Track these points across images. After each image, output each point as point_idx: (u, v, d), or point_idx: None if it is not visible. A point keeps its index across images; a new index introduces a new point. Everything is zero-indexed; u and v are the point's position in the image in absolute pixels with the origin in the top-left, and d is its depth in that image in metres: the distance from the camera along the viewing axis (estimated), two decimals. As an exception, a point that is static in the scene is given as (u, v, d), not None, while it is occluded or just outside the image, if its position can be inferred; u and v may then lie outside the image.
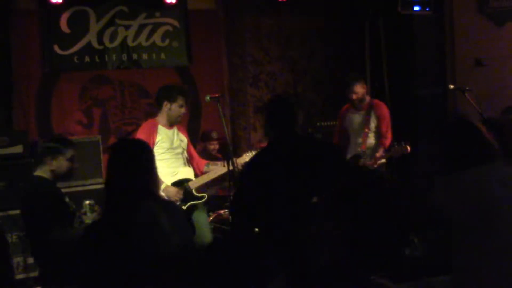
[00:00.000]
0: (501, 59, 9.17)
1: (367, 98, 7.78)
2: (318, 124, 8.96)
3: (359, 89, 7.69)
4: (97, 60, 8.65)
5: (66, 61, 8.50)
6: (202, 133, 8.73)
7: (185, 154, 6.99)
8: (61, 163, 5.49)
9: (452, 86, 7.94)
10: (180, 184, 6.81)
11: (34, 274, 7.37)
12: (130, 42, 8.79)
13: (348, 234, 3.67)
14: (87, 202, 5.69)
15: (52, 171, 5.47)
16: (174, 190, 6.71)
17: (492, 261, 3.83)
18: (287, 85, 9.74)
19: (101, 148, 7.78)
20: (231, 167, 6.64)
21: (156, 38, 8.92)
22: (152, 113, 8.70)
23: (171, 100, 6.71)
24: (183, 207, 6.76)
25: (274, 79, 9.71)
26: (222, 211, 7.67)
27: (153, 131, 6.71)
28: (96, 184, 7.55)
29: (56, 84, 8.52)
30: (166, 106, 6.75)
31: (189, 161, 7.10)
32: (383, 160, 7.49)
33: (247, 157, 7.16)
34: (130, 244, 3.46)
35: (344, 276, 2.52)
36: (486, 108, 7.71)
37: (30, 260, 7.45)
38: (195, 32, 9.13)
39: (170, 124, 6.79)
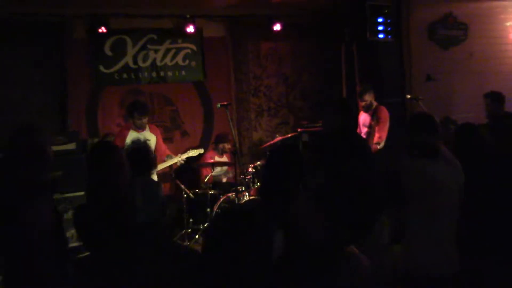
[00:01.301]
0: (447, 75, 9.37)
1: (374, 103, 7.97)
2: (306, 125, 9.10)
3: (367, 98, 7.95)
4: (132, 76, 8.84)
5: (108, 78, 8.70)
6: (218, 135, 8.77)
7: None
8: None
9: (409, 96, 8.11)
10: None
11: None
12: (158, 62, 8.96)
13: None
14: None
15: None
16: None
17: (430, 222, 3.93)
18: (280, 95, 9.90)
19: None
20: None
21: (179, 59, 9.09)
22: (174, 117, 9.09)
23: (131, 115, 7.14)
24: None
25: (270, 90, 9.86)
26: (230, 194, 7.69)
27: (125, 134, 7.13)
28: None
29: (101, 95, 8.70)
30: (131, 117, 7.16)
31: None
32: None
33: (190, 153, 7.53)
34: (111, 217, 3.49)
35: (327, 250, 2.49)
36: (435, 114, 7.95)
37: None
38: (209, 54, 9.28)
39: (138, 128, 7.15)
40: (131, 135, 7.06)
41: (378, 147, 7.55)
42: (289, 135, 8.74)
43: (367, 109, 7.98)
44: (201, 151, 7.96)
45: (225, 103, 7.49)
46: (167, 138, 8.90)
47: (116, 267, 3.20)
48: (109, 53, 8.69)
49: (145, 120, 7.18)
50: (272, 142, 8.66)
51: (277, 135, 8.77)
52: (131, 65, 8.82)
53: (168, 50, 9.04)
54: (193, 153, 7.82)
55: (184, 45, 9.13)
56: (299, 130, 9.03)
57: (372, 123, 7.83)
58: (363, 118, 8.12)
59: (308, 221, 2.47)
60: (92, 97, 8.66)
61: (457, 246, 4.03)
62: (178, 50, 9.10)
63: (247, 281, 2.18)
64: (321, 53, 9.92)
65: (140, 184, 3.88)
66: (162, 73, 8.99)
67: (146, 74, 8.92)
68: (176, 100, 9.12)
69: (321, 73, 9.96)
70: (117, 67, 8.76)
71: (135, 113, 7.14)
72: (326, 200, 2.45)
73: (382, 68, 9.04)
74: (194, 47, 9.18)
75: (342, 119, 4.86)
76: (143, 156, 4.61)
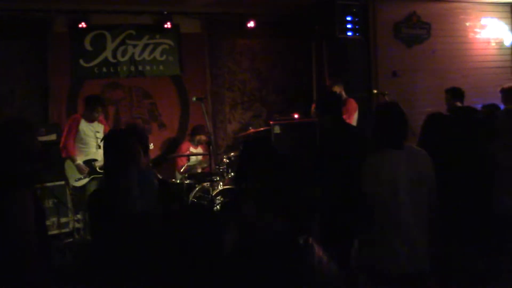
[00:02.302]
0: (410, 72, 9.65)
1: (344, 96, 8.10)
2: (277, 118, 9.22)
3: (336, 89, 8.06)
4: (112, 70, 8.90)
5: (88, 71, 8.74)
6: (195, 127, 8.84)
7: (99, 141, 7.42)
8: None
9: (375, 91, 8.35)
10: (88, 162, 7.41)
11: (65, 230, 7.79)
12: (137, 57, 9.03)
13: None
14: None
15: None
16: (83, 166, 7.38)
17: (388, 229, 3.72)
18: (254, 90, 10.07)
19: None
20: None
21: (156, 54, 9.16)
22: (152, 110, 9.19)
23: (93, 107, 7.43)
24: (87, 179, 7.36)
25: (244, 85, 10.00)
26: (204, 184, 7.78)
27: (78, 123, 7.46)
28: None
29: (81, 88, 8.72)
30: (88, 109, 7.45)
31: None
32: None
33: None
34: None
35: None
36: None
37: (62, 220, 7.82)
38: (186, 49, 9.36)
39: (90, 120, 7.47)
40: (83, 125, 7.40)
41: None
42: (262, 128, 8.87)
43: None
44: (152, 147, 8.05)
45: (201, 96, 7.63)
46: (145, 130, 8.96)
47: (117, 255, 3.34)
48: (89, 47, 8.73)
49: (101, 112, 7.57)
50: (245, 133, 8.81)
51: (250, 128, 8.93)
52: (111, 59, 8.87)
53: (146, 45, 9.10)
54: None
55: (162, 40, 9.20)
56: (271, 122, 9.17)
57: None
58: None
59: (256, 219, 2.63)
60: (73, 90, 8.69)
61: (430, 244, 3.79)
62: (156, 45, 9.16)
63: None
64: (293, 49, 10.10)
65: (135, 172, 3.96)
66: (140, 67, 9.07)
67: (125, 68, 8.97)
68: (154, 93, 9.22)
69: (293, 69, 10.14)
70: (96, 61, 8.79)
71: (99, 107, 7.47)
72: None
73: (350, 64, 9.22)
74: (171, 43, 9.26)
75: None
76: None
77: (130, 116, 9.07)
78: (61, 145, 7.47)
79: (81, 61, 8.69)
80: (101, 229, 3.67)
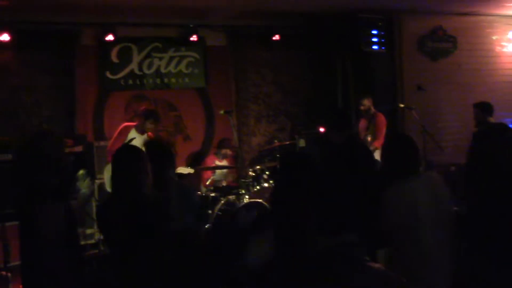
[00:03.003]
0: (436, 86, 9.50)
1: (373, 109, 8.11)
2: (302, 132, 9.22)
3: (366, 102, 8.09)
4: (138, 83, 8.87)
5: (115, 83, 8.72)
6: (221, 140, 8.71)
7: None
8: None
9: (402, 105, 8.24)
10: None
11: (91, 241, 7.70)
12: (162, 70, 9.00)
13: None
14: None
15: None
16: None
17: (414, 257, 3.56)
18: (278, 102, 9.97)
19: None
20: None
21: (182, 66, 9.13)
22: (177, 122, 9.14)
23: (147, 118, 7.21)
24: None
25: (269, 97, 9.91)
26: (230, 197, 7.63)
27: (129, 131, 7.24)
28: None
29: (108, 100, 8.72)
30: (141, 120, 7.23)
31: None
32: None
33: (180, 170, 7.65)
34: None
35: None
36: (424, 122, 8.04)
37: (88, 231, 7.75)
38: (211, 62, 9.33)
39: (141, 131, 7.24)
40: (132, 134, 7.19)
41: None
42: (287, 142, 8.79)
43: (365, 114, 8.13)
44: (192, 170, 7.97)
45: (228, 109, 7.56)
46: (170, 142, 8.93)
47: (134, 268, 3.21)
48: (115, 60, 8.72)
49: (153, 127, 7.30)
50: (270, 147, 8.72)
51: (276, 141, 8.82)
52: (137, 71, 8.86)
53: (172, 58, 9.07)
54: (183, 170, 7.84)
55: (187, 53, 9.17)
56: (296, 136, 9.15)
57: (369, 128, 7.96)
58: (362, 124, 8.25)
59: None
60: (99, 102, 8.68)
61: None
62: (182, 58, 9.14)
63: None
64: (317, 62, 10.00)
65: (176, 189, 3.81)
66: (166, 80, 9.03)
67: (150, 80, 8.95)
68: (179, 105, 9.18)
69: (317, 82, 10.03)
70: (123, 74, 8.78)
71: (152, 119, 7.27)
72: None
73: (375, 78, 9.21)
74: (197, 55, 9.23)
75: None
76: (163, 150, 4.57)
77: (155, 129, 8.98)
78: (108, 147, 7.40)
79: (108, 73, 8.68)
80: (131, 246, 3.48)
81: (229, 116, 7.62)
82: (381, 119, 7.95)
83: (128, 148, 4.06)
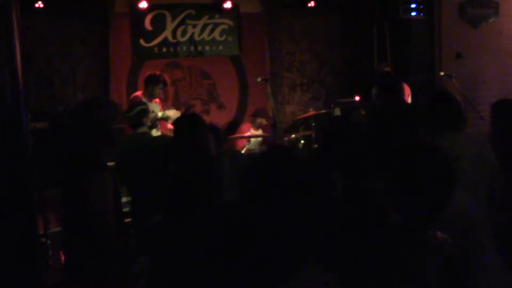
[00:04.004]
0: (476, 54, 9.19)
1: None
2: (337, 100, 9.05)
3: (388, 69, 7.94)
4: (171, 50, 8.77)
5: (148, 51, 8.63)
6: (257, 110, 8.60)
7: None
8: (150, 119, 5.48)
9: (442, 73, 7.99)
10: None
11: (125, 209, 7.71)
12: (196, 37, 8.86)
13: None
14: None
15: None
16: None
17: None
18: (313, 71, 9.78)
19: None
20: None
21: (216, 34, 8.97)
22: (210, 90, 9.05)
23: (156, 84, 7.18)
24: None
25: (303, 66, 9.73)
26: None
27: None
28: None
29: (142, 68, 8.60)
30: (150, 87, 7.20)
31: None
32: None
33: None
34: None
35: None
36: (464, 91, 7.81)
37: (122, 199, 7.75)
38: (245, 29, 9.16)
39: (151, 98, 7.18)
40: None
41: None
42: (323, 111, 8.64)
43: None
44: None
45: (265, 77, 7.43)
46: (203, 111, 8.88)
47: (185, 238, 3.13)
48: (149, 27, 8.61)
49: (162, 92, 7.35)
50: (305, 115, 8.58)
51: (311, 110, 8.66)
52: (170, 39, 8.73)
53: (206, 25, 8.92)
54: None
55: (221, 20, 9.01)
56: (332, 104, 8.99)
57: None
58: None
59: (385, 201, 2.38)
60: (133, 70, 8.61)
61: None
62: (216, 25, 8.98)
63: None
64: (353, 30, 9.75)
65: (229, 157, 3.74)
66: (200, 48, 8.90)
67: (184, 48, 8.83)
68: (213, 73, 9.08)
69: (353, 50, 9.79)
70: (156, 41, 8.67)
71: (162, 84, 7.24)
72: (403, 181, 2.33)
73: (413, 45, 8.93)
74: (231, 23, 9.06)
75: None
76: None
77: (189, 96, 8.94)
78: None
79: (142, 41, 8.58)
80: (177, 216, 3.42)
81: (267, 84, 7.48)
82: (407, 90, 7.82)
83: (189, 117, 3.99)
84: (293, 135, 7.95)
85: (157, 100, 7.53)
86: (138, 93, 7.51)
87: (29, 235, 3.43)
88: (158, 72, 7.71)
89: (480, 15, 9.34)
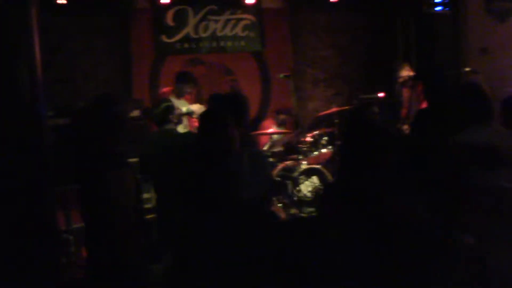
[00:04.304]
0: (503, 49, 9.01)
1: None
2: (360, 97, 8.96)
3: (404, 73, 7.81)
4: (193, 46, 8.74)
5: (170, 47, 8.62)
6: (280, 108, 8.59)
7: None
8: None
9: (467, 69, 7.85)
10: None
11: (148, 206, 7.69)
12: (218, 33, 8.83)
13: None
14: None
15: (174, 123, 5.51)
16: None
17: None
18: (336, 66, 9.67)
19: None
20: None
21: (238, 29, 8.94)
22: (233, 87, 8.97)
23: (186, 82, 7.10)
24: None
25: (326, 61, 9.63)
26: (288, 162, 7.53)
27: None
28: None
29: (163, 64, 8.63)
30: (179, 84, 7.11)
31: None
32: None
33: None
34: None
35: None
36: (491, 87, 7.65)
37: (145, 195, 7.74)
38: (267, 25, 9.10)
39: (179, 96, 7.06)
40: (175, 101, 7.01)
41: None
42: (346, 107, 8.54)
43: (405, 84, 7.80)
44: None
45: (288, 73, 7.35)
46: (226, 107, 8.82)
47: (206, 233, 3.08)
48: (171, 23, 8.61)
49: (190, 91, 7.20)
50: (327, 112, 8.48)
51: (333, 106, 8.57)
52: (192, 35, 8.72)
53: (228, 21, 8.89)
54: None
55: (244, 16, 8.96)
56: (354, 101, 8.89)
57: (412, 96, 7.71)
58: (406, 94, 7.98)
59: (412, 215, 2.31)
60: (155, 66, 8.60)
61: None
62: (238, 21, 8.94)
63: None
64: (376, 25, 9.63)
65: (248, 153, 3.66)
66: (222, 43, 8.87)
67: (206, 44, 8.80)
68: (235, 69, 9.04)
69: (376, 45, 9.65)
70: (178, 37, 8.67)
71: (192, 83, 7.17)
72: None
73: (437, 39, 8.80)
74: (253, 18, 9.00)
75: None
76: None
77: (210, 92, 8.85)
78: None
79: (163, 37, 8.58)
80: (195, 216, 3.35)
81: (290, 80, 7.42)
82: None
83: (213, 113, 3.93)
84: (316, 132, 7.87)
85: (188, 97, 7.49)
86: (167, 89, 7.49)
87: (49, 231, 3.41)
88: (188, 70, 7.68)
89: (508, 9, 9.10)
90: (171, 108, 5.34)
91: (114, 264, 3.53)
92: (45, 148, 3.34)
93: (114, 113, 3.57)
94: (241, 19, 8.96)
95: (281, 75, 7.46)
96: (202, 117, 3.87)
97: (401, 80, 7.88)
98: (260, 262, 2.40)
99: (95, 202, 3.59)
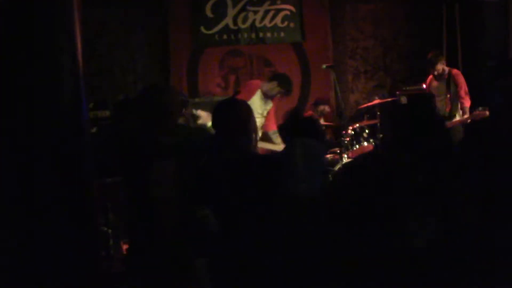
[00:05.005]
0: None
1: (446, 69, 7.69)
2: (403, 88, 8.77)
3: (439, 67, 7.65)
4: (232, 38, 8.62)
5: (209, 39, 8.51)
6: (318, 98, 8.43)
7: (263, 119, 6.96)
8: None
9: (520, 59, 7.64)
10: None
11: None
12: (257, 24, 8.68)
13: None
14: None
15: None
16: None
17: None
18: (377, 58, 9.44)
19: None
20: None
21: (278, 20, 8.76)
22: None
23: (280, 85, 6.79)
24: None
25: (367, 53, 9.42)
26: (328, 155, 7.29)
27: (252, 93, 6.82)
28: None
29: (202, 56, 8.54)
30: (273, 84, 6.78)
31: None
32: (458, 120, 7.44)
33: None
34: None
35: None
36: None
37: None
38: (307, 15, 8.89)
39: (266, 96, 6.86)
40: (257, 97, 6.88)
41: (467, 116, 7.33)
42: (389, 99, 8.35)
43: (440, 77, 7.74)
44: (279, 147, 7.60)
45: (330, 64, 7.20)
46: (264, 99, 8.72)
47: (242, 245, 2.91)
48: (210, 14, 8.50)
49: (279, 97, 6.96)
50: (369, 104, 8.30)
51: (376, 98, 8.38)
52: (231, 26, 8.59)
53: (267, 11, 8.71)
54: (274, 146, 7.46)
55: (283, 6, 8.78)
56: (397, 92, 8.71)
57: (450, 90, 7.52)
58: (433, 87, 7.85)
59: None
60: (193, 58, 8.52)
61: None
62: (277, 11, 8.76)
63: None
64: (420, 14, 9.37)
65: (301, 146, 3.46)
66: (261, 34, 8.72)
67: (245, 35, 8.67)
68: (274, 61, 8.87)
69: (420, 35, 9.38)
70: (217, 28, 8.55)
71: (285, 89, 6.92)
72: None
73: (485, 30, 8.50)
74: (293, 8, 8.81)
75: None
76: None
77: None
78: None
79: (202, 28, 8.47)
80: (247, 213, 3.15)
81: (332, 72, 7.27)
82: (463, 79, 7.63)
83: (228, 103, 3.78)
84: (357, 124, 7.69)
85: (276, 100, 7.23)
86: (257, 81, 7.35)
87: (89, 224, 3.34)
88: (289, 79, 7.51)
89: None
90: (185, 102, 5.23)
91: (154, 258, 3.44)
92: (85, 140, 3.26)
93: (162, 103, 3.46)
94: (281, 9, 8.78)
95: (324, 66, 7.30)
96: (216, 109, 3.57)
97: (436, 73, 7.73)
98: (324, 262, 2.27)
99: (135, 194, 3.51)
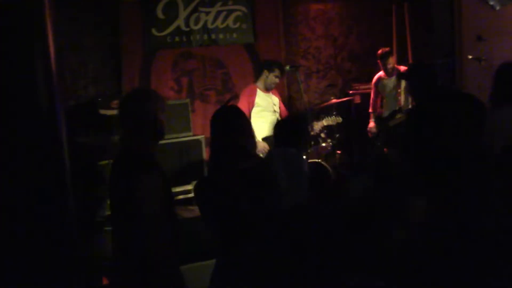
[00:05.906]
0: (498, 36, 8.96)
1: (395, 67, 7.87)
2: (355, 87, 8.92)
3: (392, 61, 7.79)
4: (184, 39, 8.46)
5: (161, 41, 8.32)
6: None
7: (277, 114, 6.97)
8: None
9: (470, 56, 7.76)
10: (268, 139, 6.76)
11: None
12: (209, 25, 8.55)
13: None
14: None
15: None
16: (262, 144, 6.69)
17: None
18: (329, 57, 9.51)
19: (189, 108, 7.60)
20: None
21: (230, 21, 8.67)
22: (225, 81, 8.78)
23: (270, 70, 6.76)
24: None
25: (319, 52, 9.48)
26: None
27: (254, 94, 6.76)
28: (186, 136, 7.32)
29: (154, 59, 8.34)
30: (265, 74, 6.80)
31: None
32: None
33: (325, 121, 7.16)
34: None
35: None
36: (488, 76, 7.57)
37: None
38: (259, 16, 8.85)
39: (267, 89, 6.80)
40: (260, 96, 6.86)
41: None
42: (345, 99, 8.45)
43: (390, 74, 7.92)
44: (339, 119, 7.56)
45: (295, 65, 7.21)
46: (218, 101, 8.63)
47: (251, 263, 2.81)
48: (161, 16, 8.30)
49: (278, 81, 6.97)
50: (326, 104, 8.35)
51: (332, 98, 8.44)
52: (183, 28, 8.43)
53: (219, 13, 8.61)
54: (330, 121, 7.46)
55: (235, 7, 8.70)
56: (350, 92, 8.85)
57: (402, 85, 7.71)
58: (383, 84, 8.03)
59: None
60: (145, 61, 8.31)
61: None
62: (229, 12, 8.67)
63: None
64: (371, 13, 9.51)
65: (281, 156, 3.33)
66: (213, 36, 8.60)
67: (198, 37, 8.52)
68: (227, 62, 8.78)
69: (370, 34, 9.54)
70: (169, 30, 8.36)
71: (277, 70, 6.93)
72: None
73: (433, 27, 8.63)
74: (245, 9, 8.74)
75: None
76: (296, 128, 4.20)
77: (203, 87, 8.68)
78: None
79: (154, 30, 8.26)
80: (228, 230, 3.07)
81: (297, 72, 7.30)
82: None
83: (228, 108, 3.65)
84: (324, 123, 7.64)
85: (275, 91, 7.24)
86: (253, 85, 7.29)
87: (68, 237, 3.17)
88: (276, 60, 7.52)
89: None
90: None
91: (142, 277, 3.24)
92: (62, 148, 3.10)
93: (148, 108, 3.26)
94: (233, 10, 8.70)
95: (288, 67, 7.34)
96: (214, 114, 3.48)
97: (389, 67, 7.95)
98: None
99: (121, 208, 3.32)
